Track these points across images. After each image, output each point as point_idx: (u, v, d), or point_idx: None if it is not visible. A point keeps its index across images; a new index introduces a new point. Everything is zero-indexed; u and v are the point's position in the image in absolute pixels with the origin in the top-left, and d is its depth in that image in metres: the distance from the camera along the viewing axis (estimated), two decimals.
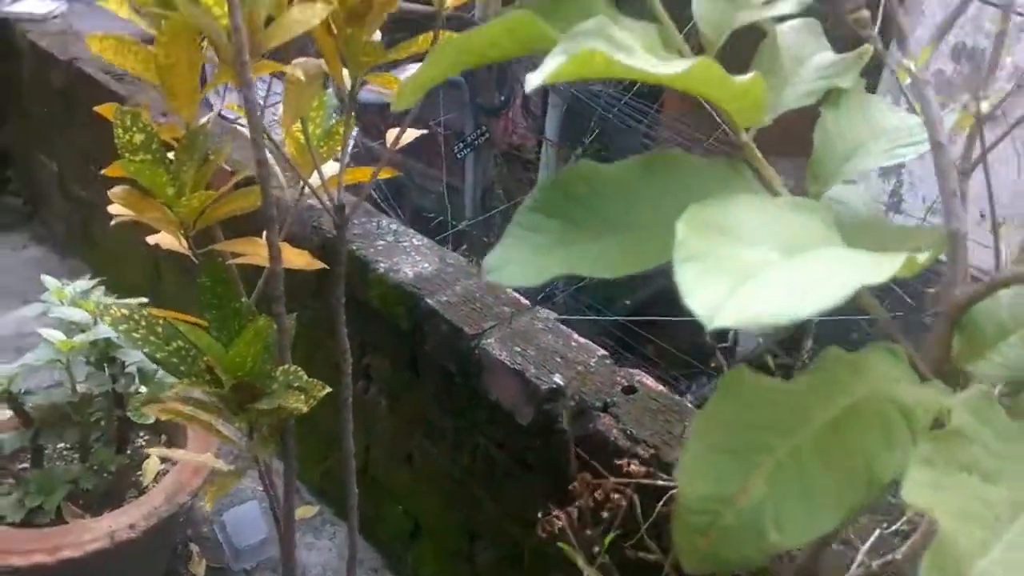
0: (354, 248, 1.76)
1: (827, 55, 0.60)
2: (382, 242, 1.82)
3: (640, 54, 0.43)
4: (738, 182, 0.49)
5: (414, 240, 1.83)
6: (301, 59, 1.06)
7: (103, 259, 2.87)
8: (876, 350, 0.46)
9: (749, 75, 0.44)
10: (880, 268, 0.35)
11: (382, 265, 1.71)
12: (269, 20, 1.00)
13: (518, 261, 0.45)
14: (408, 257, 1.75)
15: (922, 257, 0.37)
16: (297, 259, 0.98)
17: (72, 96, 2.80)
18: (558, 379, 1.48)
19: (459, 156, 4.75)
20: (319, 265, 1.02)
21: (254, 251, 0.93)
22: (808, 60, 0.57)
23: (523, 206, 0.48)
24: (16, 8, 3.25)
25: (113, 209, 0.94)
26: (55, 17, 3.32)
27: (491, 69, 7.01)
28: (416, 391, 1.79)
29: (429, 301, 1.61)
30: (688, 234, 0.37)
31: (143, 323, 0.89)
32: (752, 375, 0.44)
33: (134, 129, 0.94)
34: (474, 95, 6.88)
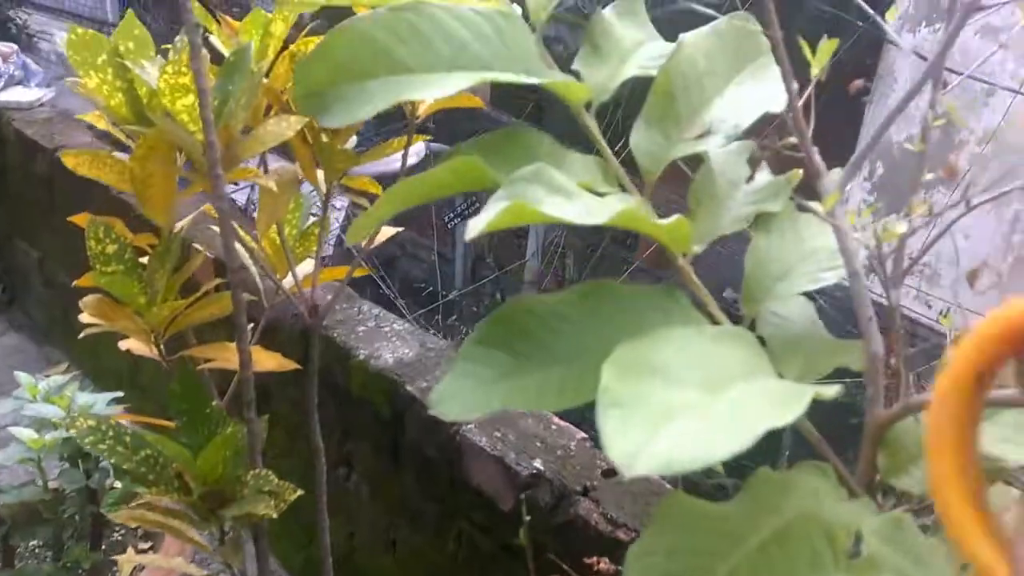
0: (334, 336, 1.78)
1: (761, 177, 0.64)
2: (363, 328, 1.84)
3: (571, 202, 0.47)
4: (674, 310, 0.51)
5: (395, 325, 1.85)
6: (276, 165, 1.10)
7: (82, 347, 2.86)
8: (804, 468, 0.48)
9: (674, 217, 0.48)
10: (788, 409, 0.38)
11: (362, 352, 1.73)
12: (247, 129, 1.05)
13: (461, 395, 0.47)
14: (389, 343, 1.76)
15: (828, 392, 0.40)
16: (269, 362, 1.00)
17: (56, 184, 2.84)
18: (538, 464, 1.48)
19: (450, 226, 4.81)
20: (292, 366, 1.03)
21: (225, 357, 0.95)
22: (742, 184, 0.61)
23: (469, 338, 0.50)
24: (3, 96, 3.33)
25: (84, 318, 0.96)
26: (42, 104, 3.40)
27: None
28: (398, 477, 1.78)
29: (409, 388, 1.63)
30: (612, 378, 0.39)
31: (110, 433, 0.90)
32: (688, 501, 0.46)
33: (107, 240, 0.96)
34: None
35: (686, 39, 0.62)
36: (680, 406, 0.38)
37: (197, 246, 1.90)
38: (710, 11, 0.79)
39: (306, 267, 1.19)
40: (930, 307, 4.79)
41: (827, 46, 0.57)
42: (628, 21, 0.71)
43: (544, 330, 0.51)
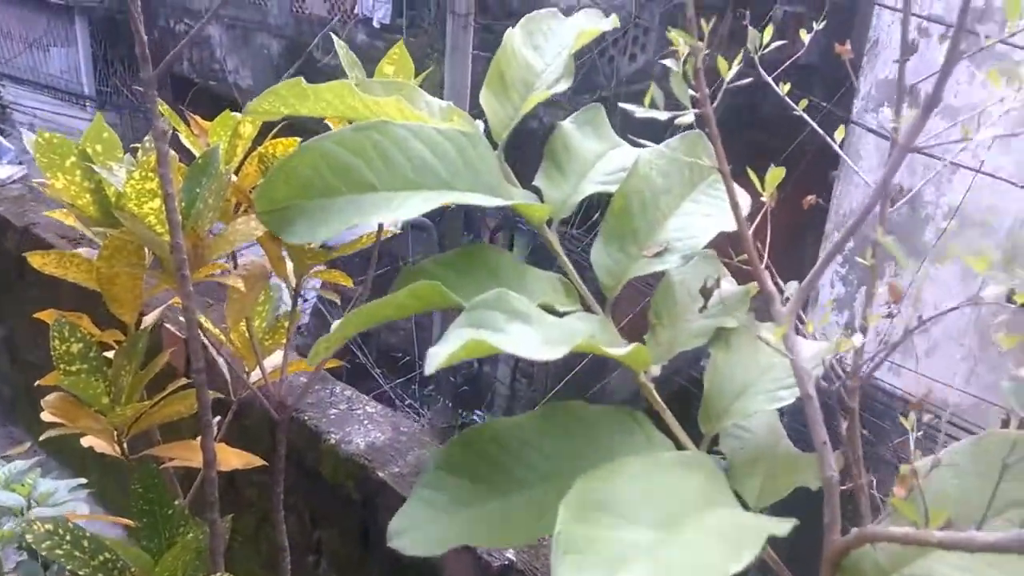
0: (306, 419, 1.75)
1: (725, 287, 0.65)
2: (335, 411, 1.81)
3: (530, 332, 0.47)
4: (636, 432, 0.52)
5: (367, 407, 1.83)
6: (245, 260, 1.10)
7: (48, 426, 2.80)
8: None
9: (632, 346, 0.48)
10: (743, 550, 0.38)
11: (334, 436, 1.70)
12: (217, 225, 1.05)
13: (421, 527, 0.46)
14: (361, 427, 1.74)
15: (782, 529, 0.40)
16: (234, 460, 0.98)
17: (24, 262, 2.81)
18: (510, 555, 1.45)
19: None
20: (258, 463, 1.02)
21: (190, 456, 0.93)
22: (700, 298, 0.62)
23: (429, 464, 0.50)
24: None
25: (45, 416, 0.94)
26: (15, 181, 3.39)
27: (458, 211, 7.21)
28: (368, 566, 1.74)
29: (380, 474, 1.60)
30: (568, 520, 0.39)
31: (68, 537, 0.87)
32: None
33: (71, 339, 0.95)
34: (441, 236, 7.03)
35: (642, 157, 0.64)
36: (634, 550, 0.38)
37: (169, 327, 1.88)
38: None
39: (276, 359, 1.19)
40: (899, 376, 4.84)
41: (774, 174, 0.59)
42: (588, 131, 0.74)
43: (505, 453, 0.51)
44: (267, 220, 0.63)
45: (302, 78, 0.67)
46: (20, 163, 3.55)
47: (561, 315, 0.56)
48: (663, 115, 0.67)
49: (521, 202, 0.61)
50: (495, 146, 0.69)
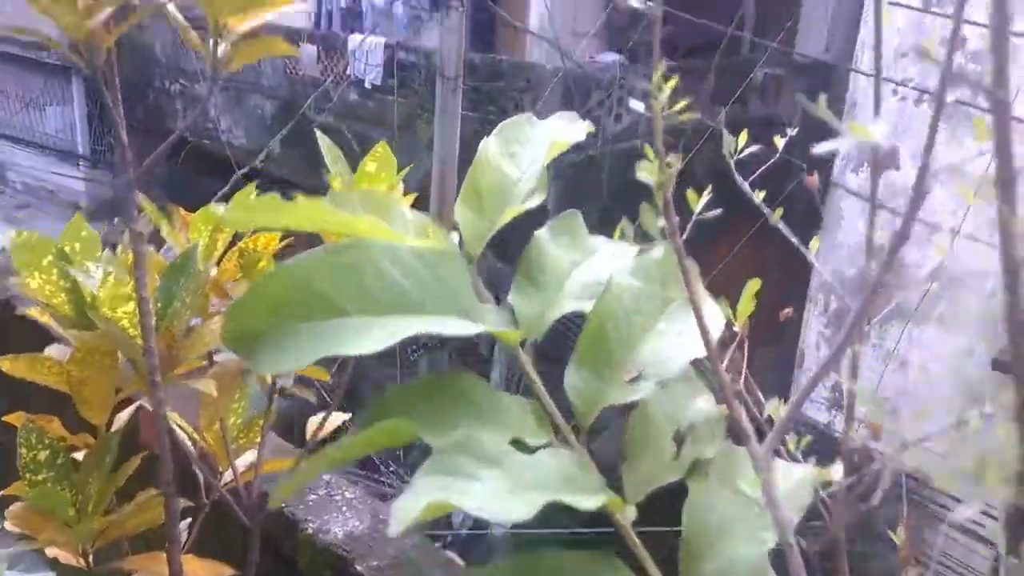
0: (283, 506, 1.71)
1: (701, 408, 0.64)
2: (313, 496, 1.77)
3: (496, 485, 0.46)
4: None
5: (346, 493, 1.78)
6: (220, 357, 1.08)
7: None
8: None
9: (605, 499, 0.47)
10: None
11: (311, 525, 1.65)
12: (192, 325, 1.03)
13: None
14: (339, 514, 1.69)
15: None
16: (203, 572, 0.94)
17: (5, 335, 2.78)
18: None
19: (412, 358, 4.75)
20: (228, 572, 0.98)
21: (157, 570, 0.89)
22: (680, 425, 0.61)
23: None
24: None
25: (8, 526, 0.91)
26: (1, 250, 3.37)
27: None
28: None
29: (359, 567, 1.55)
30: None
31: None
32: None
33: (39, 446, 0.93)
34: None
35: (615, 278, 0.63)
36: None
37: (146, 405, 1.84)
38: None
39: (251, 456, 1.16)
40: (884, 440, 4.81)
41: (750, 290, 0.59)
42: (564, 241, 0.73)
43: None
44: (234, 346, 0.61)
45: (277, 195, 0.67)
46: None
47: (533, 450, 0.54)
48: (632, 248, 0.67)
49: (494, 328, 0.60)
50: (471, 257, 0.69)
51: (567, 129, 0.70)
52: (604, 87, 8.16)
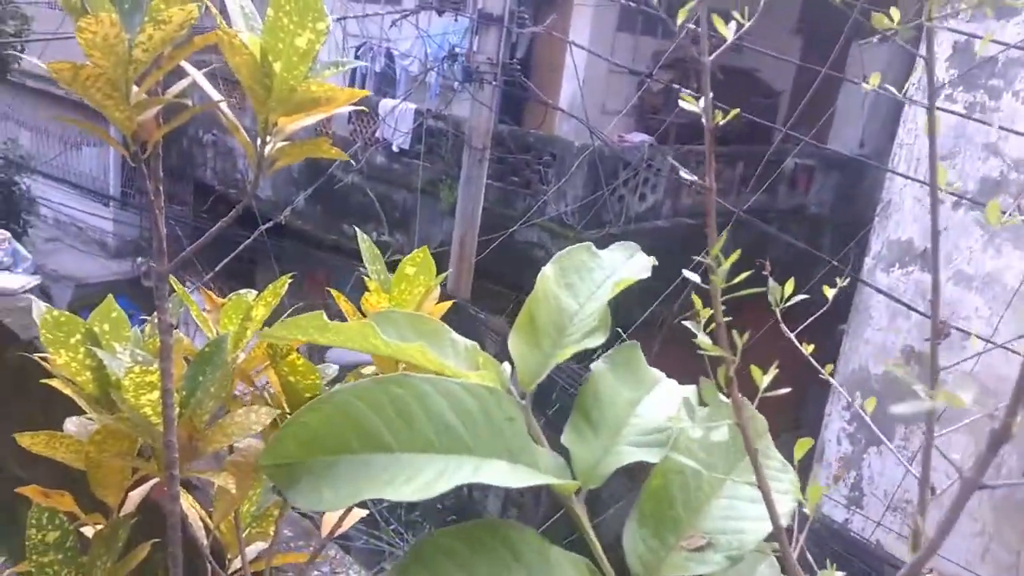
0: None
1: None
2: (316, 573, 1.70)
3: None
4: None
5: (350, 572, 1.71)
6: (242, 443, 1.04)
7: (23, 545, 2.65)
8: None
9: None
10: None
11: None
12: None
13: None
14: None
15: None
16: None
17: (25, 376, 2.75)
18: None
19: None
20: None
21: None
22: None
23: None
24: None
25: None
26: (26, 291, 3.38)
27: None
28: None
29: None
30: None
31: None
32: None
33: (49, 527, 0.88)
34: None
35: (682, 433, 0.59)
36: None
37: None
38: None
39: (261, 545, 1.10)
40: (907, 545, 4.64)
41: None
42: (622, 374, 0.69)
43: None
44: (271, 474, 0.57)
45: (323, 312, 0.64)
46: (35, 272, 3.56)
47: None
48: (690, 390, 0.63)
49: (546, 479, 0.56)
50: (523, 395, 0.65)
51: (632, 266, 0.68)
52: (631, 166, 8.25)
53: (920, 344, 5.35)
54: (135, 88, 0.80)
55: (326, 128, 9.70)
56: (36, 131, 12.26)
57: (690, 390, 0.67)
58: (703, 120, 0.54)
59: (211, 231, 0.92)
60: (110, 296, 0.96)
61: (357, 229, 1.18)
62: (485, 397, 0.60)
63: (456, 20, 7.45)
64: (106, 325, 0.94)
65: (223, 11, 0.85)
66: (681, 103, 0.56)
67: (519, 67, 6.87)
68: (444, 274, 1.04)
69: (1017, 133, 4.17)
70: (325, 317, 0.62)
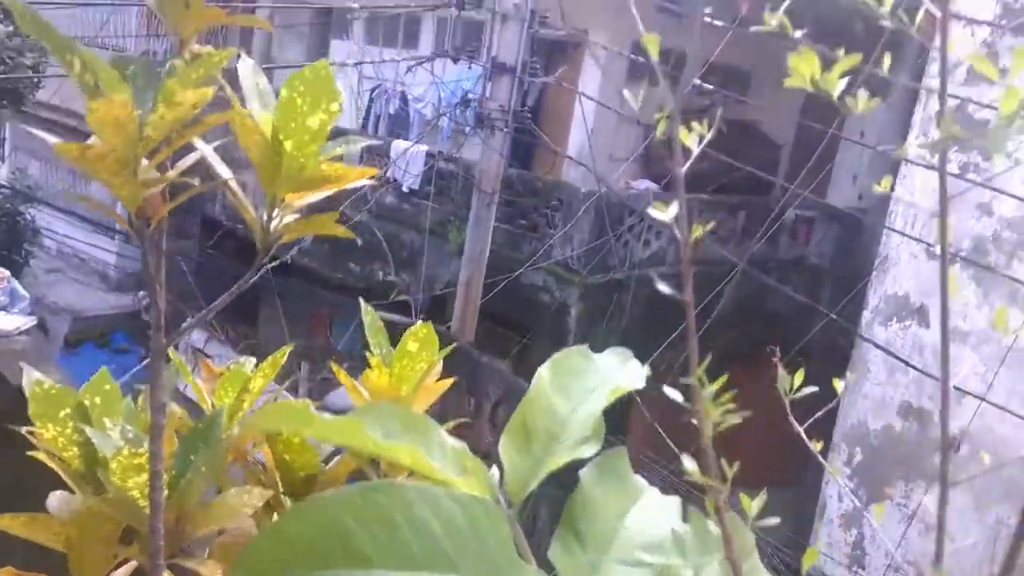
0: None
1: None
2: None
3: None
4: None
5: None
6: (233, 529, 1.02)
7: None
8: None
9: None
10: None
11: None
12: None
13: None
14: None
15: None
16: None
17: (11, 421, 2.74)
18: None
19: None
20: None
21: None
22: None
23: None
24: None
25: None
26: (22, 332, 3.39)
27: None
28: None
29: None
30: None
31: None
32: None
33: None
34: (441, 407, 6.91)
35: (671, 566, 0.58)
36: None
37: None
38: None
39: None
40: None
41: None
42: (610, 483, 0.68)
43: None
44: None
45: (309, 403, 0.63)
46: (31, 312, 3.56)
47: None
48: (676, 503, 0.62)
49: None
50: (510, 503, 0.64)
51: (626, 373, 0.67)
52: (636, 213, 8.29)
53: (918, 400, 5.30)
54: (144, 161, 0.80)
55: None
56: (46, 161, 12.39)
57: (674, 503, 0.66)
58: (678, 235, 0.53)
59: (213, 305, 0.92)
60: (104, 369, 0.95)
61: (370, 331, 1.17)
62: (472, 508, 0.59)
63: (470, 68, 7.56)
64: (97, 398, 0.93)
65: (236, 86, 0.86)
66: (651, 212, 0.56)
67: (529, 114, 6.95)
68: (447, 349, 1.03)
69: (1008, 194, 4.19)
70: (312, 409, 0.61)
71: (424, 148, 8.72)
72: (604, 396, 0.66)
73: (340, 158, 0.86)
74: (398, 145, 8.85)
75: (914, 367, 4.60)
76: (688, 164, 0.79)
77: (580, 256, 8.29)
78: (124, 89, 0.75)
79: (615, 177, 8.54)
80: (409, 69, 7.67)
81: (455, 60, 6.72)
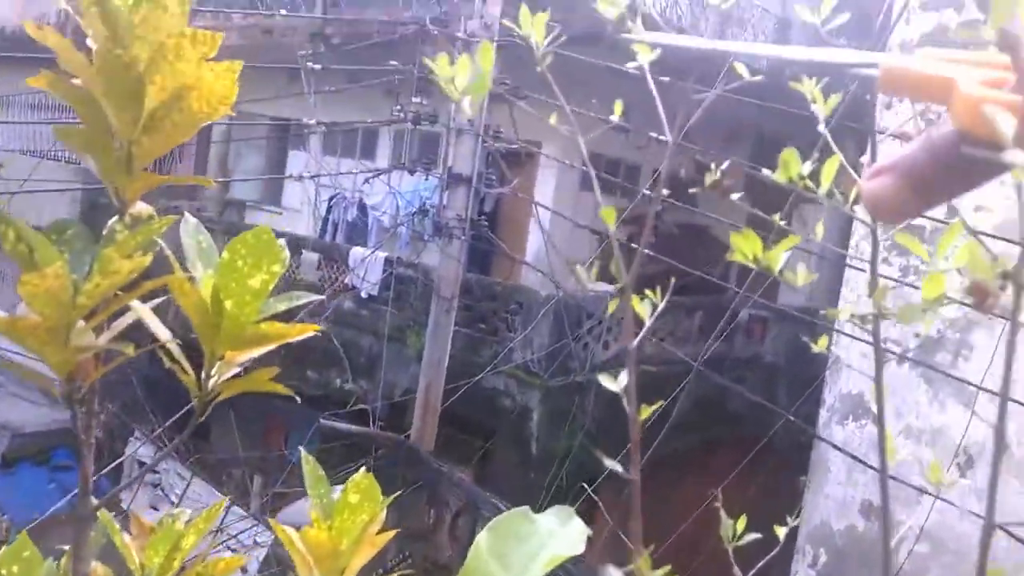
0: None
1: None
2: None
3: None
4: None
5: None
6: None
7: None
8: None
9: None
10: None
11: None
12: None
13: None
14: None
15: None
16: None
17: None
18: None
19: None
20: None
21: None
22: None
23: None
24: None
25: None
26: None
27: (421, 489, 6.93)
28: None
29: None
30: None
31: None
32: None
33: None
34: (400, 519, 6.73)
35: None
36: None
37: None
38: None
39: None
40: None
41: None
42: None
43: None
44: None
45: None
46: None
47: None
48: None
49: None
50: None
51: (567, 536, 0.66)
52: (595, 315, 8.38)
53: (879, 498, 5.29)
54: (80, 322, 0.79)
55: (295, 274, 9.78)
56: None
57: None
58: (627, 408, 0.54)
59: (146, 467, 0.89)
60: (24, 534, 0.91)
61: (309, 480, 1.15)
62: None
63: (427, 179, 7.74)
64: (15, 567, 0.88)
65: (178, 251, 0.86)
66: (602, 379, 0.57)
67: (486, 222, 7.10)
68: (391, 498, 1.00)
69: (950, 299, 4.35)
70: None
71: (383, 255, 8.79)
72: (542, 566, 0.65)
73: (286, 313, 0.86)
74: (356, 252, 8.91)
75: (871, 466, 4.62)
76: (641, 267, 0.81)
77: (541, 359, 8.30)
78: (59, 259, 0.74)
79: (573, 281, 8.68)
80: (366, 180, 7.83)
81: (412, 172, 6.89)
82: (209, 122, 0.80)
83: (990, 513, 0.52)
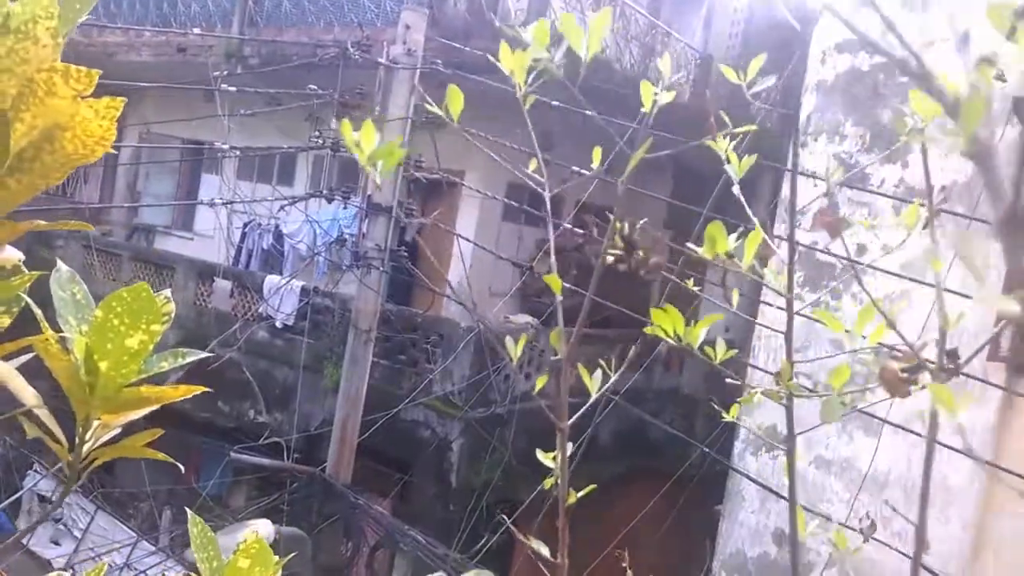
0: None
1: None
2: None
3: None
4: None
5: None
6: None
7: None
8: None
9: None
10: None
11: None
12: None
13: None
14: None
15: None
16: None
17: None
18: None
19: None
20: None
21: None
22: None
23: None
24: None
25: None
26: None
27: (338, 524, 6.70)
28: None
29: None
30: None
31: None
32: None
33: None
34: (316, 550, 6.50)
35: None
36: None
37: None
38: None
39: None
40: None
41: None
42: None
43: None
44: None
45: None
46: None
47: None
48: None
49: None
50: None
51: None
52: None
53: (790, 527, 5.40)
54: None
55: (205, 301, 9.40)
56: None
57: None
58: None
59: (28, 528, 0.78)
60: None
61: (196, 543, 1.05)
62: None
63: (346, 207, 7.60)
64: None
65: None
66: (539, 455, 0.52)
67: (407, 252, 6.99)
68: (289, 557, 0.92)
69: (861, 337, 4.51)
70: None
71: (299, 284, 8.55)
72: None
73: (164, 376, 0.78)
74: (271, 280, 8.64)
75: (782, 496, 4.72)
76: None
77: (461, 391, 8.19)
78: None
79: (494, 312, 8.64)
80: (282, 207, 7.62)
81: (330, 200, 6.74)
82: (86, 163, 0.72)
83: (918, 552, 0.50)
